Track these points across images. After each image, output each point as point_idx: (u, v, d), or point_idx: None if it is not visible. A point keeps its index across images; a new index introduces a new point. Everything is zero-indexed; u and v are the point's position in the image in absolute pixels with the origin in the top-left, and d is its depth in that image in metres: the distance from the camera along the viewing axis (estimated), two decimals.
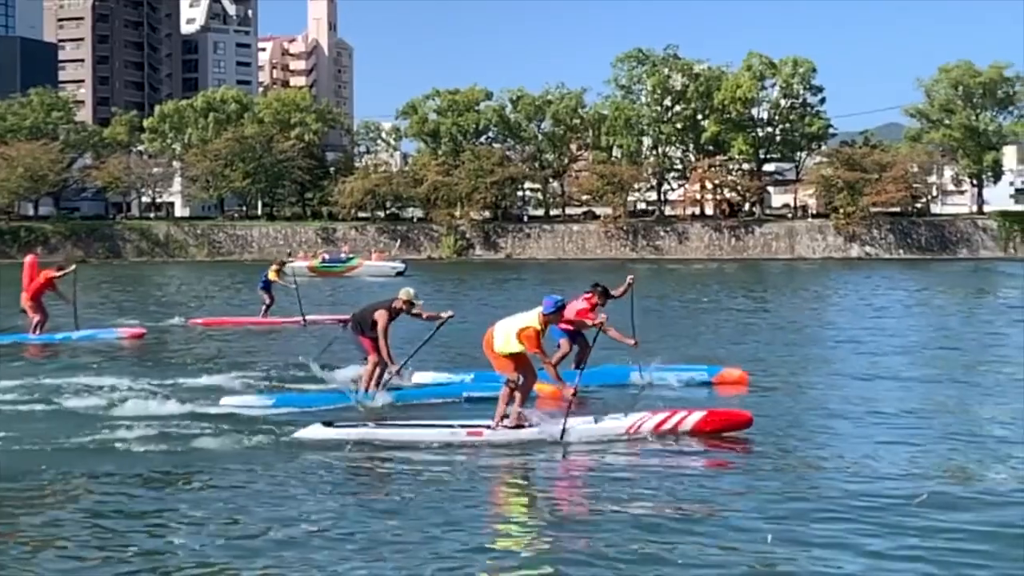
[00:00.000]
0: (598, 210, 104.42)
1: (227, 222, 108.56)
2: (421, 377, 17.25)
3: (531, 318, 12.91)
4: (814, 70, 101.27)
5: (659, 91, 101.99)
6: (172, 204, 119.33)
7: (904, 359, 21.00)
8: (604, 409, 13.94)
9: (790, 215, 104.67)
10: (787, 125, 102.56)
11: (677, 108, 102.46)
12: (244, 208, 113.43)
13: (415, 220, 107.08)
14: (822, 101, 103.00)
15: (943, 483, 10.68)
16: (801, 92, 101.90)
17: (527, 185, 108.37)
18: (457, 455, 12.21)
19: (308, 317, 28.93)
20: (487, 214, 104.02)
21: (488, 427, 12.91)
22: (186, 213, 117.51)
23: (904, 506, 9.73)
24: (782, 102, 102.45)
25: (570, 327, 16.06)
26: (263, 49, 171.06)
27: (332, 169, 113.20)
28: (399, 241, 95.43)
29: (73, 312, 25.57)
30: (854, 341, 24.56)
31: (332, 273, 64.29)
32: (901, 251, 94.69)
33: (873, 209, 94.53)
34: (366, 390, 15.63)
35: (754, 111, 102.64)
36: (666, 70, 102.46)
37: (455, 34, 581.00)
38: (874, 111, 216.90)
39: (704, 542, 8.81)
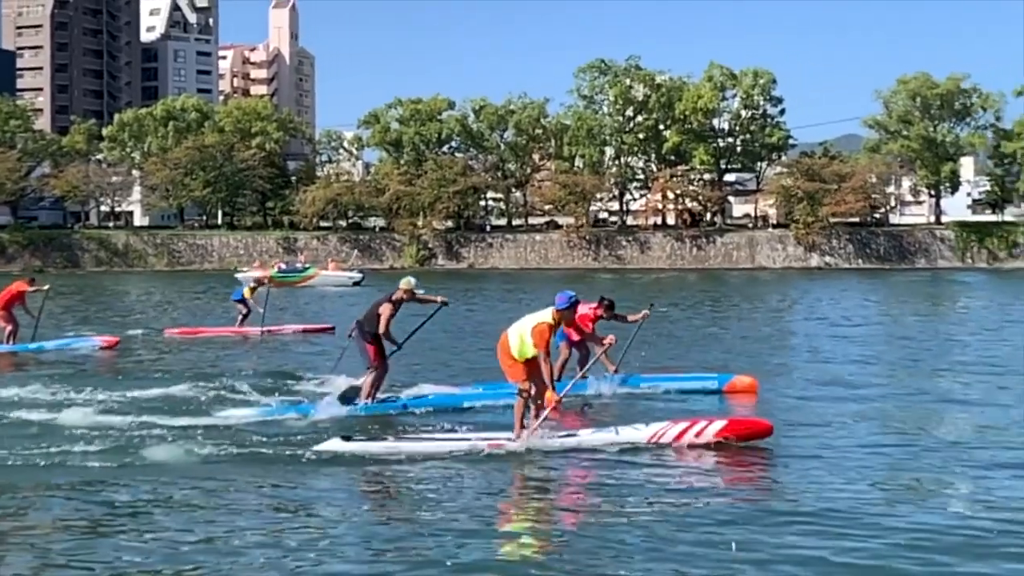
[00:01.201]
0: (560, 220, 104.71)
1: (187, 231, 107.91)
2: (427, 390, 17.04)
3: (544, 315, 12.85)
4: (774, 81, 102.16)
5: (621, 101, 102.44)
6: (131, 213, 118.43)
7: (864, 368, 21.08)
8: (624, 419, 13.95)
9: (751, 225, 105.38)
10: (747, 136, 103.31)
11: (639, 118, 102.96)
12: (204, 217, 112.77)
13: (377, 229, 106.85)
14: (782, 112, 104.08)
15: (902, 493, 10.70)
16: (761, 103, 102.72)
17: (490, 195, 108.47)
18: (476, 466, 12.10)
19: (267, 328, 29.11)
20: (449, 223, 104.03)
21: (509, 439, 12.83)
22: (145, 222, 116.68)
23: (865, 516, 9.76)
24: (743, 113, 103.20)
25: (575, 335, 16.06)
26: (224, 57, 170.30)
27: (293, 178, 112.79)
28: (355, 251, 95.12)
29: (34, 325, 25.34)
30: (814, 350, 24.69)
31: (288, 283, 63.66)
32: (860, 261, 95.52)
33: (832, 219, 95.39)
34: (365, 401, 15.56)
35: (715, 122, 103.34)
36: (628, 80, 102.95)
37: (417, 44, 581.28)
38: (833, 122, 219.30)
39: (677, 550, 8.88)
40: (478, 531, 9.49)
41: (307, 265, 72.22)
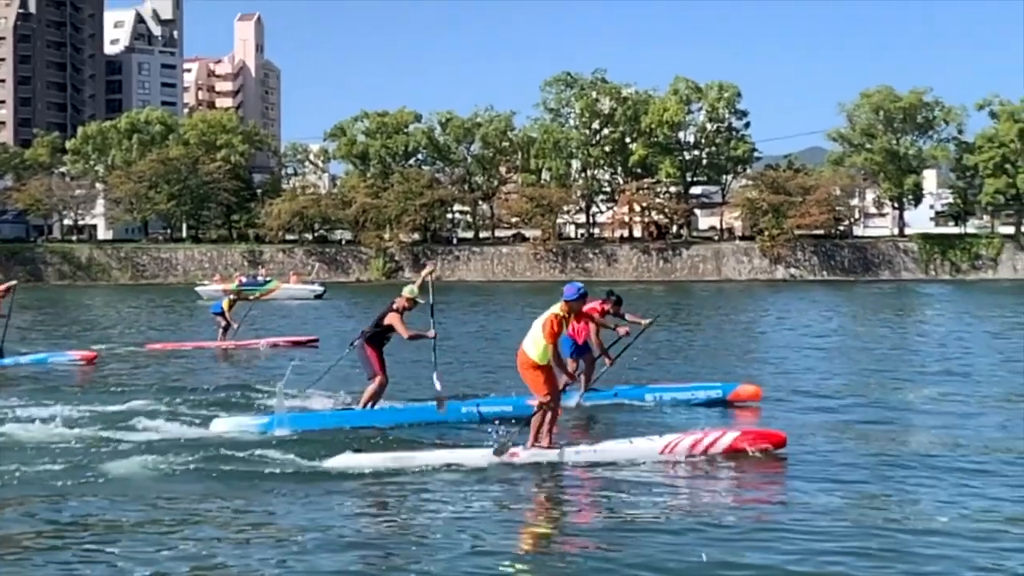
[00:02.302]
0: (527, 232, 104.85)
1: (151, 245, 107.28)
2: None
3: (553, 309, 12.86)
4: (739, 94, 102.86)
5: (587, 114, 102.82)
6: (95, 227, 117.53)
7: (831, 380, 21.04)
8: (634, 431, 14.00)
9: (716, 237, 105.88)
10: (713, 149, 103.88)
11: (605, 131, 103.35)
12: (169, 231, 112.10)
13: (344, 242, 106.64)
14: (747, 125, 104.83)
15: (868, 503, 10.72)
16: (726, 116, 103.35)
17: (456, 207, 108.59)
18: (488, 477, 12.12)
19: (240, 342, 29.31)
20: (416, 236, 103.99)
21: (523, 449, 12.82)
22: (109, 236, 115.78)
23: (830, 525, 9.81)
24: (708, 126, 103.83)
25: (582, 334, 16.07)
26: (189, 70, 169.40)
27: (259, 191, 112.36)
28: (316, 265, 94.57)
29: (1, 336, 25.07)
30: (781, 361, 24.77)
31: (247, 296, 63.17)
32: (825, 273, 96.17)
33: (797, 232, 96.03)
34: (363, 407, 15.54)
35: (681, 135, 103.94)
36: (594, 94, 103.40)
37: (384, 57, 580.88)
38: (798, 135, 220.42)
39: (647, 560, 8.94)
40: (464, 544, 9.46)
41: (268, 278, 71.74)
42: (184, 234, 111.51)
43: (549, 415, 12.87)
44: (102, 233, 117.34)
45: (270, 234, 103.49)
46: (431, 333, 15.57)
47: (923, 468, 12.32)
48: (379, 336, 15.77)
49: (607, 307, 16.83)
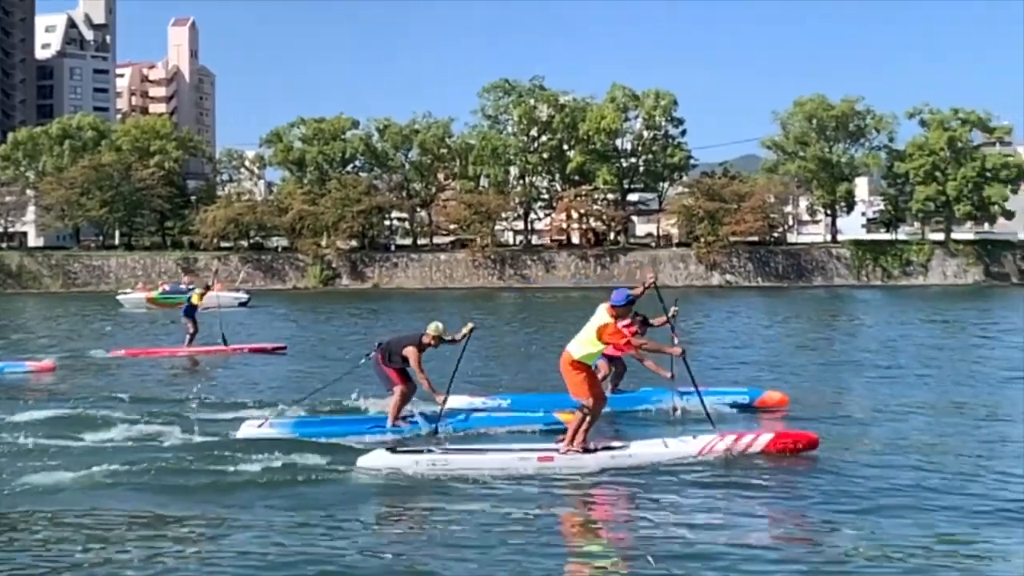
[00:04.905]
0: (466, 239, 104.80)
1: (83, 252, 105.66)
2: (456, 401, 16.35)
3: (602, 317, 12.86)
4: (675, 102, 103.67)
5: (525, 121, 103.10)
6: (25, 234, 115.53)
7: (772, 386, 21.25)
8: (669, 435, 13.96)
9: (653, 244, 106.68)
10: (650, 156, 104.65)
11: (543, 138, 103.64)
12: (101, 238, 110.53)
13: (280, 250, 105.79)
14: (683, 133, 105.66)
15: (802, 526, 10.63)
16: (663, 124, 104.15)
17: (394, 214, 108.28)
18: (524, 479, 12.19)
19: (205, 348, 29.38)
20: (354, 243, 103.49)
21: (558, 451, 12.88)
22: (40, 243, 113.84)
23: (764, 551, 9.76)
24: (645, 133, 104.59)
25: (615, 351, 15.97)
26: (121, 75, 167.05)
27: (193, 198, 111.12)
28: (243, 272, 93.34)
29: None
30: (733, 367, 24.92)
31: (172, 304, 62.15)
32: (760, 279, 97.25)
33: (732, 238, 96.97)
34: (392, 423, 15.28)
35: (618, 142, 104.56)
36: (532, 101, 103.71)
37: (321, 63, 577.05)
38: (733, 143, 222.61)
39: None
40: (491, 548, 9.52)
41: (191, 286, 70.55)
42: (117, 241, 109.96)
43: (588, 419, 12.90)
44: (33, 240, 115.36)
45: (204, 241, 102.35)
46: (440, 398, 15.04)
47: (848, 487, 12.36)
48: (402, 360, 15.44)
49: (635, 328, 16.87)
